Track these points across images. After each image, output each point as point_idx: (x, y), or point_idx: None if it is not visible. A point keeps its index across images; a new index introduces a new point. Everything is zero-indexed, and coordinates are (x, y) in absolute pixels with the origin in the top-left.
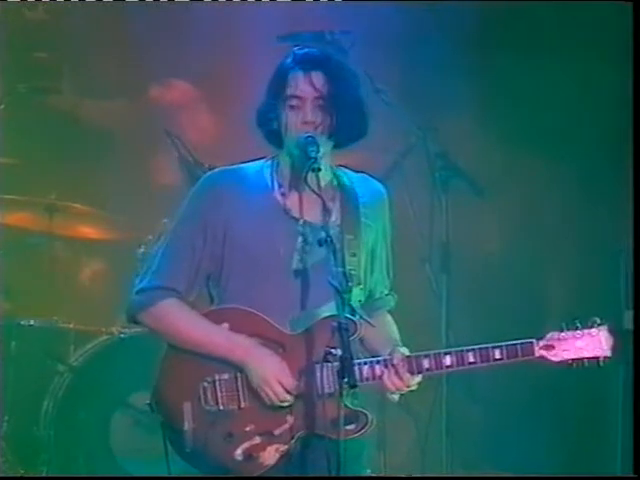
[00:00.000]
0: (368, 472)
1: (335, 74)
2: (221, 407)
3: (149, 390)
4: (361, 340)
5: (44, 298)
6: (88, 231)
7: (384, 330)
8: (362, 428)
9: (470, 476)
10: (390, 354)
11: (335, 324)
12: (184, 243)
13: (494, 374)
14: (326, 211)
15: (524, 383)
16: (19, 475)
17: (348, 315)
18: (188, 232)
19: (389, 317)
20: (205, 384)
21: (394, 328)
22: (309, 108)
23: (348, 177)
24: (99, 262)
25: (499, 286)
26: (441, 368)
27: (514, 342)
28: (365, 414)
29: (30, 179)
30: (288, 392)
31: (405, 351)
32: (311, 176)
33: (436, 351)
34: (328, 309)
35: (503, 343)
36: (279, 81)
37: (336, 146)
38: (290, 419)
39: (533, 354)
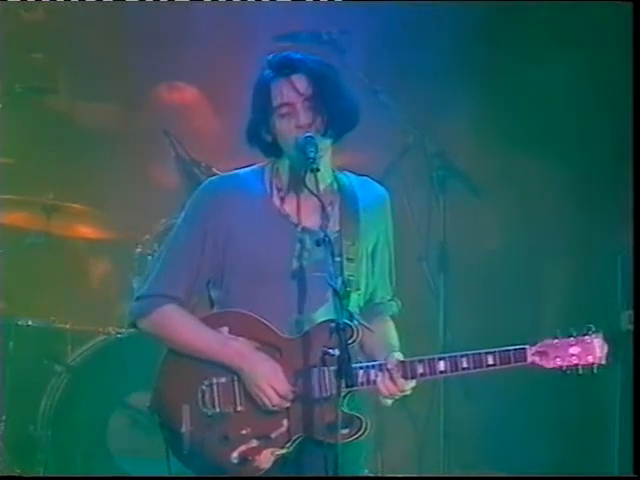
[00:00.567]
0: (366, 472)
1: (315, 73)
2: (218, 409)
3: (147, 390)
4: (360, 345)
5: (41, 298)
6: (85, 231)
7: (383, 336)
8: (357, 432)
9: (468, 476)
10: (385, 359)
11: (333, 325)
12: (184, 250)
13: (492, 374)
14: (324, 212)
15: (522, 383)
16: (16, 475)
17: (346, 320)
18: (188, 239)
19: (390, 323)
20: (203, 387)
21: (393, 334)
22: (300, 112)
23: (349, 180)
24: (96, 262)
25: (496, 285)
26: (435, 373)
27: (507, 348)
28: (360, 418)
29: (27, 179)
30: (281, 397)
31: (400, 356)
32: (310, 177)
33: (430, 356)
34: (324, 312)
35: (496, 349)
36: (262, 94)
37: (334, 141)
38: (286, 423)
39: (526, 360)
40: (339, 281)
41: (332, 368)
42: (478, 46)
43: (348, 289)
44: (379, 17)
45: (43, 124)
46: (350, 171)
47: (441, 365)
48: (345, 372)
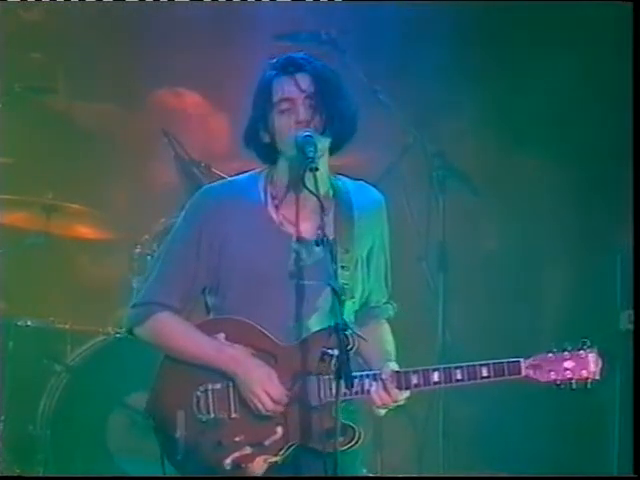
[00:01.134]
0: (364, 472)
1: (318, 74)
2: (212, 415)
3: (146, 390)
4: (356, 352)
5: (41, 298)
6: (85, 231)
7: (378, 342)
8: (350, 441)
9: (467, 476)
10: (380, 369)
11: (330, 331)
12: (179, 258)
13: None
14: (323, 211)
15: (521, 383)
16: (16, 474)
17: (344, 321)
18: (183, 247)
19: (386, 327)
20: (199, 393)
21: (389, 339)
22: (300, 108)
23: (345, 186)
24: (96, 262)
25: (496, 285)
26: (429, 384)
27: (501, 361)
28: (353, 428)
29: (27, 179)
30: (275, 402)
31: (394, 366)
32: (309, 176)
33: (424, 367)
34: (318, 320)
35: (490, 361)
36: (263, 92)
37: (332, 147)
38: (280, 430)
39: (520, 373)
40: (338, 277)
41: (327, 377)
42: (478, 46)
43: (343, 297)
44: (378, 17)
45: (42, 124)
46: (347, 175)
47: (435, 376)
48: (344, 372)
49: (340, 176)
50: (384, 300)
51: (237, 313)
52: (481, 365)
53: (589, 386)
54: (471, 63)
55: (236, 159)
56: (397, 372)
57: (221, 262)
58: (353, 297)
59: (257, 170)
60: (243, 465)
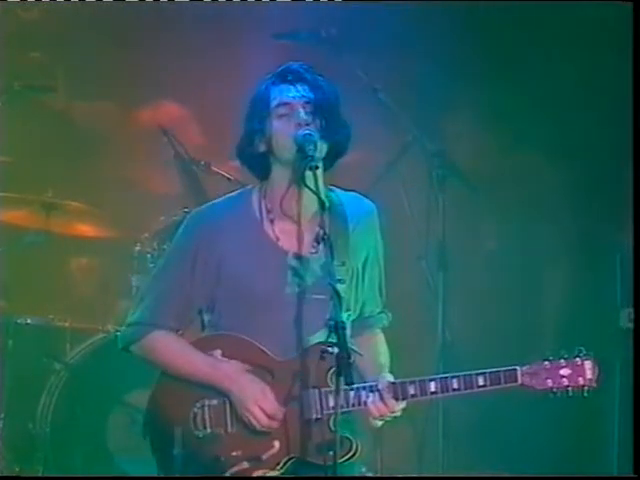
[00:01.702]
0: (363, 470)
1: (317, 84)
2: (209, 431)
3: (145, 388)
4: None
5: (41, 296)
6: (84, 229)
7: (372, 353)
8: (347, 453)
9: (467, 476)
10: (375, 380)
11: (332, 323)
12: (174, 282)
13: None
14: (323, 210)
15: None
16: (15, 474)
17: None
18: (177, 270)
19: (380, 337)
20: (195, 409)
21: (383, 350)
22: (300, 111)
23: (339, 198)
24: (95, 260)
25: (496, 284)
26: (426, 394)
27: (497, 369)
28: (350, 440)
29: (26, 177)
30: (270, 418)
31: (390, 377)
32: (309, 175)
33: (421, 378)
34: (318, 337)
35: (487, 370)
36: (260, 102)
37: (326, 160)
38: (277, 444)
39: (516, 381)
40: (336, 275)
41: (324, 390)
42: (478, 46)
43: (342, 295)
44: (378, 15)
45: (42, 122)
46: (347, 175)
47: (432, 386)
48: (344, 370)
49: (332, 187)
50: (378, 310)
51: (234, 330)
52: (477, 374)
53: (586, 394)
54: (471, 62)
55: (235, 158)
56: (393, 383)
57: (218, 282)
58: (349, 309)
59: (249, 187)
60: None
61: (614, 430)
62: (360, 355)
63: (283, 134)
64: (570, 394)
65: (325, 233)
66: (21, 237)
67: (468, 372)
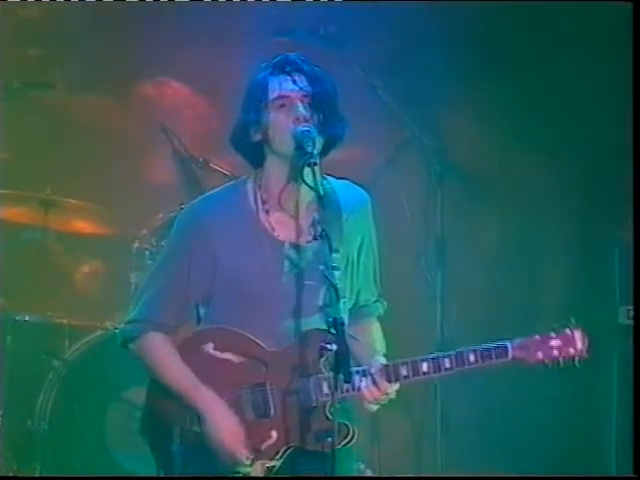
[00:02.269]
0: (361, 466)
1: (315, 76)
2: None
3: (144, 385)
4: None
5: (39, 293)
6: (83, 226)
7: (369, 340)
8: (344, 439)
9: (467, 476)
10: (368, 364)
11: (331, 319)
12: (170, 277)
13: (488, 372)
14: (321, 203)
15: (519, 380)
16: (13, 471)
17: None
18: (174, 266)
19: (376, 325)
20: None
21: (379, 337)
22: (298, 105)
23: (332, 185)
24: (94, 257)
25: (494, 281)
26: (418, 375)
27: (488, 345)
28: (347, 426)
29: (25, 174)
30: (231, 453)
31: (383, 360)
32: (307, 171)
33: (413, 358)
34: (311, 323)
35: (477, 347)
36: (257, 91)
37: (324, 148)
38: (275, 434)
39: (507, 356)
40: (335, 275)
41: (320, 376)
42: (477, 44)
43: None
44: (377, 12)
45: (41, 119)
46: (345, 170)
47: (424, 366)
48: (343, 367)
49: (325, 176)
50: (374, 299)
51: (231, 322)
52: (468, 351)
53: (577, 364)
54: (470, 60)
55: (234, 155)
56: (386, 365)
57: (215, 274)
58: (344, 297)
59: (242, 177)
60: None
61: (612, 428)
62: (357, 340)
63: (281, 128)
64: (562, 365)
65: (323, 230)
66: (19, 234)
67: (459, 350)
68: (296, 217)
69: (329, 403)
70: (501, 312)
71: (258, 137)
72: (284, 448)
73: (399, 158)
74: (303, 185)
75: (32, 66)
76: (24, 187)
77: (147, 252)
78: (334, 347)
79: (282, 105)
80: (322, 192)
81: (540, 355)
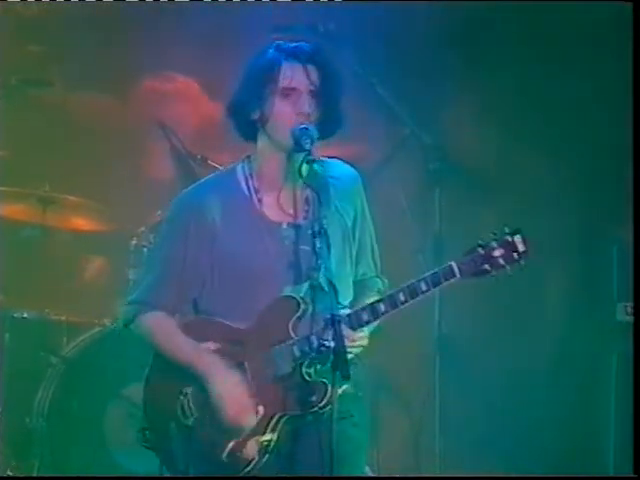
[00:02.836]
0: (367, 470)
1: (326, 70)
2: (196, 416)
3: (142, 382)
4: None
5: (37, 290)
6: (81, 223)
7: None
8: (323, 399)
9: (464, 476)
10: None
11: (329, 317)
12: (166, 262)
13: (488, 370)
14: (320, 202)
15: (517, 380)
16: (11, 467)
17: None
18: (170, 251)
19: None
20: (180, 400)
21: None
22: (305, 99)
23: (321, 167)
24: (92, 254)
25: (493, 277)
26: (378, 316)
27: (435, 270)
28: (324, 383)
29: (23, 171)
30: (238, 412)
31: (345, 311)
32: (306, 169)
33: (371, 302)
34: (289, 290)
35: (426, 274)
36: (268, 71)
37: (318, 138)
38: (262, 409)
39: (455, 275)
40: (332, 273)
41: (289, 341)
42: (477, 42)
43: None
44: (376, 11)
45: (39, 116)
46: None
47: (382, 307)
48: (340, 364)
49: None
50: (372, 274)
51: (230, 305)
52: (419, 281)
53: (522, 265)
54: (469, 58)
55: (233, 151)
56: (348, 315)
57: (212, 258)
58: (346, 272)
59: (232, 164)
60: (239, 453)
61: (610, 425)
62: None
63: (283, 119)
64: (509, 272)
65: (322, 228)
66: (18, 231)
67: (410, 282)
68: (289, 199)
69: (304, 365)
70: (500, 310)
71: (256, 116)
72: (274, 420)
73: (397, 155)
74: (294, 169)
75: (30, 63)
76: (22, 184)
77: (145, 249)
78: (332, 344)
79: (288, 94)
80: (316, 185)
81: (487, 267)
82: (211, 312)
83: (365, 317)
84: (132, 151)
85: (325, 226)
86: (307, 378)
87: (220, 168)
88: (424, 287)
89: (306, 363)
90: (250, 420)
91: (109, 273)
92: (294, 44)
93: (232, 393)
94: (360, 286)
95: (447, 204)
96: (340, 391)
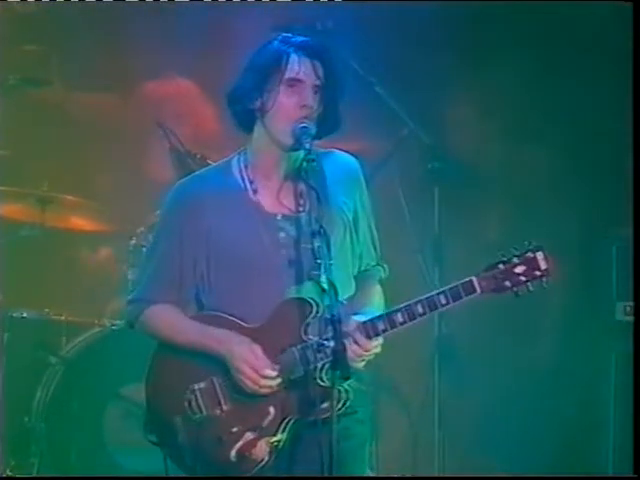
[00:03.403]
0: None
1: (331, 68)
2: (205, 413)
3: (142, 382)
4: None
5: (36, 290)
6: (80, 223)
7: (367, 299)
8: (339, 403)
9: (463, 476)
10: (346, 325)
11: (328, 316)
12: (163, 256)
13: (488, 370)
14: (319, 201)
15: (516, 380)
16: (10, 467)
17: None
18: (165, 245)
19: (377, 288)
20: (188, 396)
21: (378, 297)
22: (309, 93)
23: (318, 158)
24: (91, 254)
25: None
26: (395, 326)
27: (455, 284)
28: (338, 389)
29: (22, 170)
30: (263, 377)
31: (360, 318)
32: (306, 167)
33: (388, 311)
34: (295, 291)
35: (445, 287)
36: (275, 62)
37: (315, 137)
38: (273, 410)
39: (475, 291)
40: (332, 271)
41: (302, 345)
42: (476, 41)
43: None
44: (375, 8)
45: (37, 115)
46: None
47: (399, 317)
48: (340, 364)
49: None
50: (373, 263)
51: (229, 298)
52: (438, 294)
53: (545, 285)
54: (468, 58)
55: (232, 151)
56: (364, 323)
57: (208, 250)
58: (348, 268)
59: (225, 158)
60: (247, 453)
61: (609, 425)
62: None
63: (285, 112)
64: (531, 289)
65: (321, 227)
66: (17, 231)
67: (429, 294)
68: (285, 191)
69: (318, 370)
70: (500, 310)
71: (256, 105)
72: (284, 422)
73: (396, 155)
74: (289, 159)
75: (29, 62)
76: (21, 184)
77: (144, 249)
78: (331, 344)
79: (293, 86)
80: (316, 183)
81: (508, 284)
82: (213, 307)
83: (381, 326)
84: (131, 151)
85: (324, 225)
86: (321, 383)
87: None
88: (443, 301)
89: (320, 367)
90: (269, 380)
91: (108, 273)
92: (302, 38)
93: (248, 355)
94: (363, 277)
95: (446, 204)
96: (346, 385)
